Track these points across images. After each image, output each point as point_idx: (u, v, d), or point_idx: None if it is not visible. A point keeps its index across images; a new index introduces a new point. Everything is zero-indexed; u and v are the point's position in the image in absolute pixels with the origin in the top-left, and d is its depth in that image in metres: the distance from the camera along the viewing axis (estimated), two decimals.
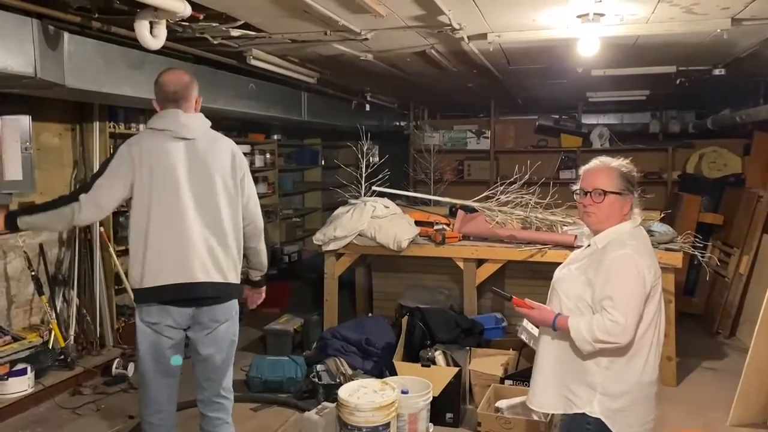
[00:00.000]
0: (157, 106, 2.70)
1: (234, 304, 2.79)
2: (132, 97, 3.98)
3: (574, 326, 2.15)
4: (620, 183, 2.23)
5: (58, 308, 4.56)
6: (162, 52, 3.75)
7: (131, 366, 4.63)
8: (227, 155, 2.70)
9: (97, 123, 4.80)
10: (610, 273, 2.14)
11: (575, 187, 2.32)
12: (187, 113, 2.66)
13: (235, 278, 2.73)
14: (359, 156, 5.19)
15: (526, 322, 3.93)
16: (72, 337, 4.61)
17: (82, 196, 2.57)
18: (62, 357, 4.40)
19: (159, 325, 2.64)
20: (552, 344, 2.28)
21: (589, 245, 2.31)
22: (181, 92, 2.67)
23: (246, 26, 3.73)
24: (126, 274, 3.23)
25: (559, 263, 2.42)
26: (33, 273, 4.28)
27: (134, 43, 3.41)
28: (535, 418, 3.24)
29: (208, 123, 2.74)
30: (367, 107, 7.37)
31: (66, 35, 3.35)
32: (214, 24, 3.57)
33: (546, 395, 2.31)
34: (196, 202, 2.60)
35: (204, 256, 2.60)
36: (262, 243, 2.93)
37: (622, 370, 2.17)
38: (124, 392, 4.38)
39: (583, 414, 2.20)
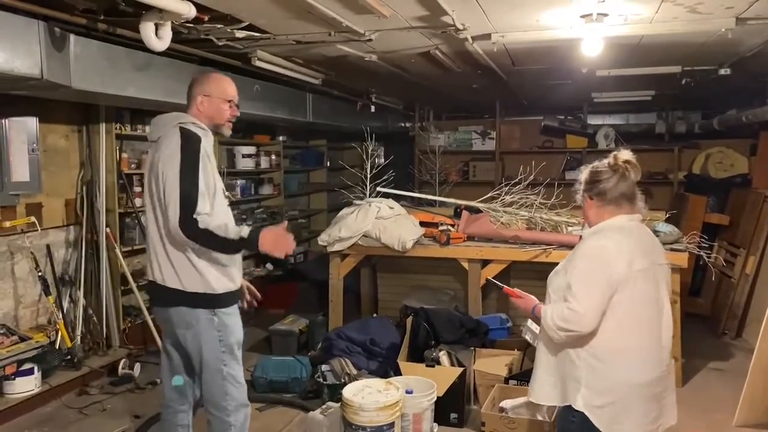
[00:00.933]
0: None
1: (189, 314, 2.61)
2: (137, 98, 4.01)
3: (542, 313, 2.23)
4: (583, 184, 2.35)
5: (64, 308, 4.59)
6: (167, 53, 3.77)
7: (137, 366, 4.67)
8: (157, 153, 2.56)
9: (104, 124, 4.82)
10: (577, 262, 2.20)
11: None
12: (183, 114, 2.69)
13: (174, 284, 2.58)
14: (364, 157, 5.20)
15: (530, 323, 3.94)
16: (78, 338, 4.63)
17: None
18: (69, 357, 4.42)
19: None
20: (548, 337, 2.30)
21: None
22: (187, 95, 2.74)
23: (250, 27, 3.74)
24: None
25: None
26: (40, 273, 4.30)
27: (140, 45, 3.43)
28: (539, 417, 3.24)
29: (175, 120, 2.61)
30: (372, 108, 7.38)
31: (72, 37, 3.38)
32: (219, 25, 3.59)
33: (543, 387, 2.33)
34: (150, 203, 2.65)
35: (152, 257, 2.66)
36: (189, 250, 2.54)
37: (606, 367, 2.17)
38: (131, 392, 4.40)
39: (569, 406, 2.22)
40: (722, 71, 5.18)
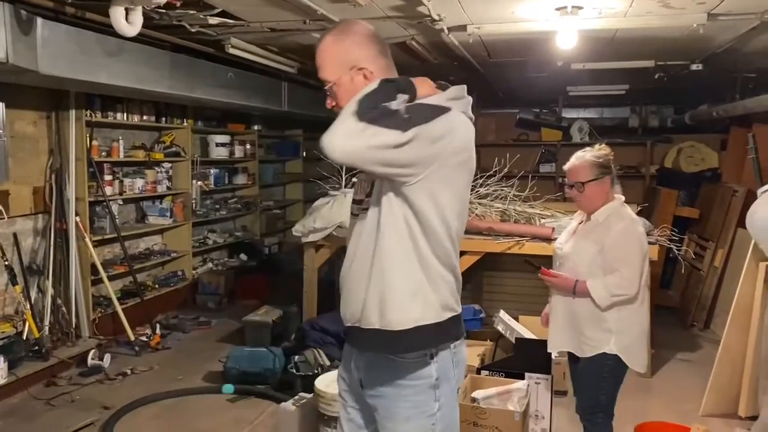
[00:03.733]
0: (378, 71, 1.74)
1: None
2: (108, 84, 3.93)
3: (592, 287, 2.65)
4: (594, 171, 2.70)
5: (32, 298, 4.50)
6: (139, 39, 3.71)
7: (107, 357, 4.61)
8: None
9: (74, 111, 4.73)
10: (618, 241, 2.65)
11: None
12: None
13: None
14: None
15: (502, 314, 3.97)
16: (47, 328, 4.56)
17: None
18: (36, 348, 4.34)
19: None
20: (567, 303, 2.77)
21: (581, 222, 2.84)
22: None
23: (224, 14, 3.69)
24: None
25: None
26: (6, 263, 4.21)
27: (110, 30, 3.36)
28: (510, 408, 3.27)
29: None
30: None
31: (39, 20, 3.30)
32: (192, 11, 3.53)
33: (563, 339, 2.83)
34: None
35: None
36: None
37: (631, 314, 2.69)
38: (100, 383, 4.35)
39: (603, 353, 2.68)
40: (694, 66, 5.24)
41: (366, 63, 1.73)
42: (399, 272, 1.72)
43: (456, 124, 1.69)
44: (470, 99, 1.80)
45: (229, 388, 4.12)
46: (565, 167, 2.80)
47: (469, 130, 1.74)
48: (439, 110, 1.66)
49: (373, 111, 1.55)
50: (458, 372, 1.84)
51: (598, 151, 2.76)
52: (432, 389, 1.77)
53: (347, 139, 1.54)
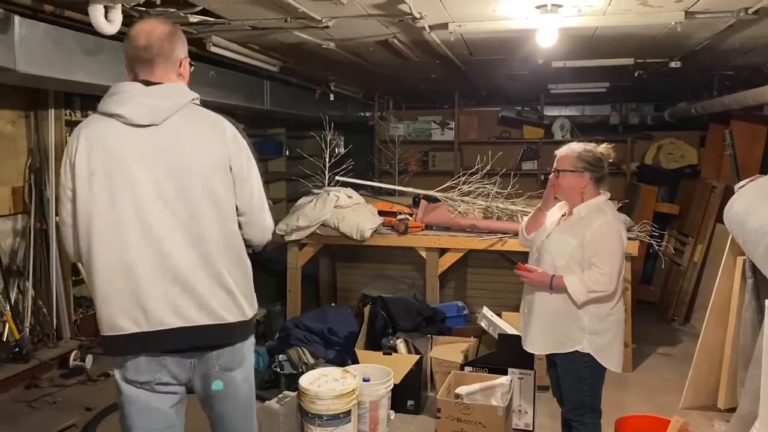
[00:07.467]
0: (127, 72, 2.03)
1: (247, 346, 2.21)
2: (87, 83, 3.89)
3: (569, 283, 2.65)
4: (575, 163, 2.75)
5: (12, 299, 4.45)
6: (118, 37, 3.66)
7: (89, 357, 4.57)
8: (214, 138, 1.99)
9: (53, 110, 4.69)
10: (597, 235, 2.66)
11: None
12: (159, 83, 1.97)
13: (234, 314, 2.06)
14: (323, 146, 5.17)
15: (485, 310, 3.99)
16: (27, 329, 4.51)
17: None
18: (17, 349, 4.29)
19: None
20: (543, 298, 2.76)
21: (563, 215, 2.83)
22: (157, 47, 1.96)
23: (205, 12, 3.67)
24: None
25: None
26: None
27: (89, 29, 3.32)
28: (494, 403, 3.29)
29: (187, 95, 2.06)
30: (332, 97, 7.32)
31: (17, 18, 3.25)
32: (172, 9, 3.50)
33: (538, 339, 2.81)
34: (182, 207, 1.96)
35: (185, 288, 1.95)
36: (248, 266, 2.21)
37: (607, 315, 2.70)
38: (82, 384, 4.32)
39: (576, 351, 2.69)
40: (673, 64, 5.30)
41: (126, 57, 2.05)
42: None
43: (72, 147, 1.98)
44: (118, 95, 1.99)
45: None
46: (556, 152, 2.86)
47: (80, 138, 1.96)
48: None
49: None
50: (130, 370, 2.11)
51: (594, 147, 2.80)
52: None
53: None
